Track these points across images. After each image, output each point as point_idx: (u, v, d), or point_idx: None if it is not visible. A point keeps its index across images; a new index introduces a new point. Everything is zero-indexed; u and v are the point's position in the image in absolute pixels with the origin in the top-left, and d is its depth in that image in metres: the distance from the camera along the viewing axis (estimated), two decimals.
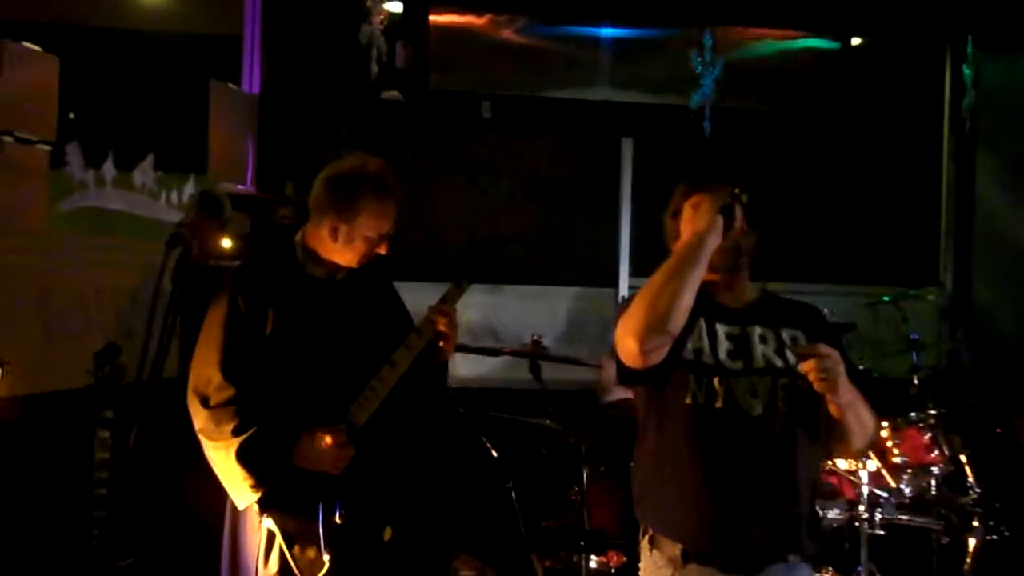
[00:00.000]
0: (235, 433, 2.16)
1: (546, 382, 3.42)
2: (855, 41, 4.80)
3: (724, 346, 2.04)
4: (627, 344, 1.93)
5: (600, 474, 3.33)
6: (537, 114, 4.53)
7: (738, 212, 2.01)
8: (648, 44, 4.53)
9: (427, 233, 4.27)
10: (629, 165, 4.64)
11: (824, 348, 1.89)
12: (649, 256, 4.57)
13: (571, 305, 4.61)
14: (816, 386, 1.86)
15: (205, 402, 2.20)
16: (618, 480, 3.32)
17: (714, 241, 1.97)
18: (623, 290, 4.61)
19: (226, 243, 3.10)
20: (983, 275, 4.69)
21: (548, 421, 3.32)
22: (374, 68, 4.17)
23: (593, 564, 3.23)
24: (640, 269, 4.62)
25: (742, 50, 4.57)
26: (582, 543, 3.05)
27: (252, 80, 4.08)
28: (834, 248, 4.72)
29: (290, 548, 2.20)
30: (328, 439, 2.19)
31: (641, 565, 2.11)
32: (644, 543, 2.10)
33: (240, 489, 2.21)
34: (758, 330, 2.07)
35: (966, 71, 4.68)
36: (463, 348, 3.38)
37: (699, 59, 4.27)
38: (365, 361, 2.30)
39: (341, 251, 2.30)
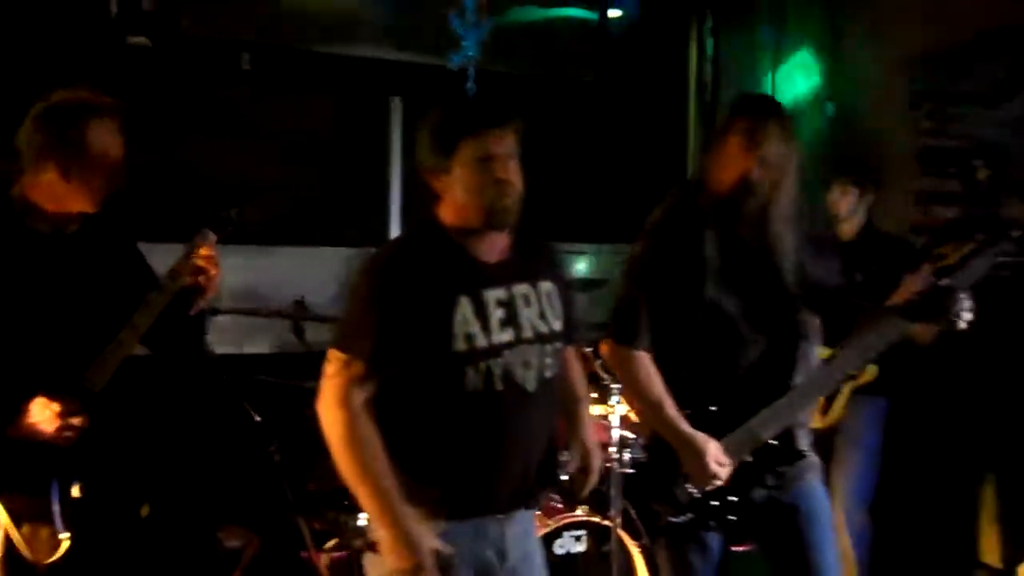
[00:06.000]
0: None
1: (313, 344, 3.35)
2: (612, 13, 5.02)
3: (496, 316, 1.90)
4: None
5: None
6: (301, 68, 4.36)
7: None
8: (412, 2, 4.49)
9: (179, 192, 4.00)
10: (399, 124, 4.61)
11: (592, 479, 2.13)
12: (419, 217, 4.61)
13: (342, 267, 4.53)
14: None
15: None
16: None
17: None
18: None
19: None
20: None
21: (313, 383, 3.26)
22: (113, 7, 3.78)
23: (361, 522, 3.23)
24: None
25: (506, 14, 4.65)
26: (345, 503, 3.05)
27: None
28: (590, 209, 4.96)
29: (18, 527, 2.03)
30: (55, 407, 2.02)
31: None
32: None
33: None
34: (521, 289, 1.96)
35: (708, 46, 5.06)
36: (218, 311, 3.25)
37: (459, 20, 4.29)
38: (102, 323, 2.14)
39: (78, 193, 2.11)
